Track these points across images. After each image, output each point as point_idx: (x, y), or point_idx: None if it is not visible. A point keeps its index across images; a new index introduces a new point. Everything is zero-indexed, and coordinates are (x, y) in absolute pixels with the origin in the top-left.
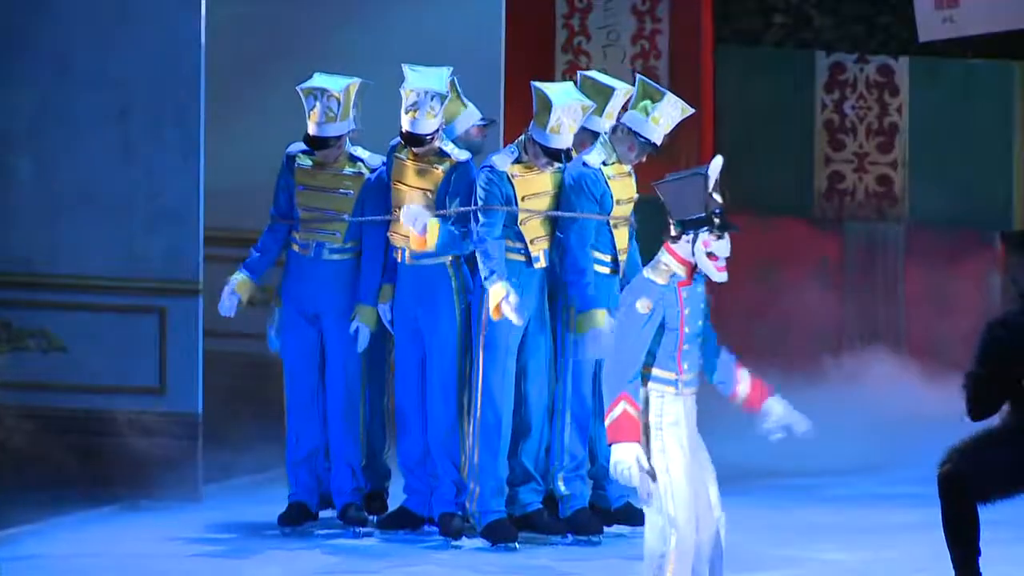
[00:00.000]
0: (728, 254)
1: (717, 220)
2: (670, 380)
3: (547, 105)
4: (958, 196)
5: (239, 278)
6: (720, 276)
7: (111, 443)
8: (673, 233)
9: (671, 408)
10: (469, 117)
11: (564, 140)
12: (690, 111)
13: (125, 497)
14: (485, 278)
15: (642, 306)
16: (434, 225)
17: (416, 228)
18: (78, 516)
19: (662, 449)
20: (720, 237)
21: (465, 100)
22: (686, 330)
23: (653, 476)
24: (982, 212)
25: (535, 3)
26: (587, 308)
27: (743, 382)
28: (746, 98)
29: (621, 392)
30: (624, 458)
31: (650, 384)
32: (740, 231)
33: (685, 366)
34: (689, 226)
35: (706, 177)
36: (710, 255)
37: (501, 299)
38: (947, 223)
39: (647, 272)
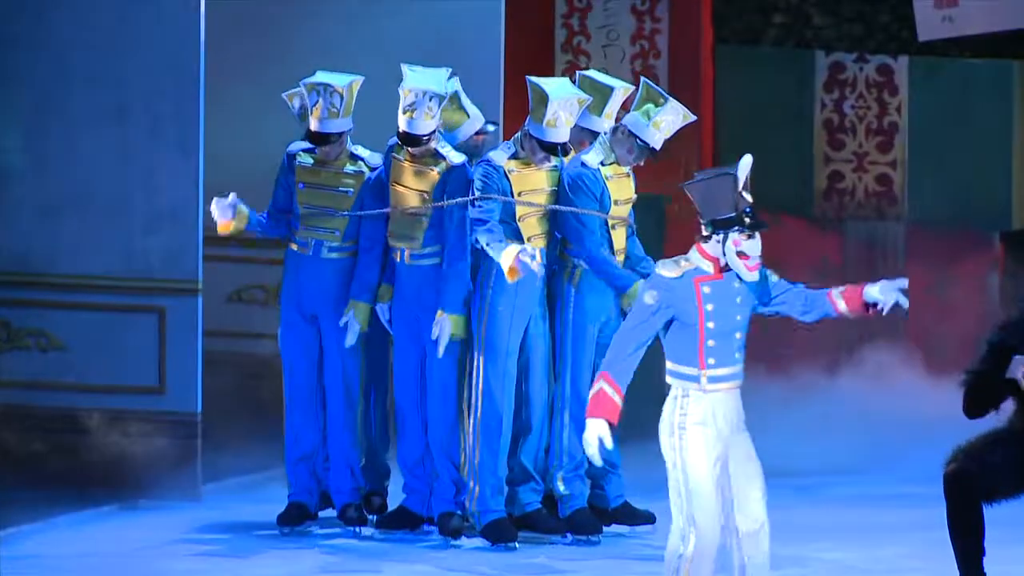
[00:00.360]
0: (759, 253)
1: (747, 219)
2: (692, 376)
3: (543, 99)
4: (958, 196)
5: (244, 208)
6: (752, 275)
7: (110, 443)
8: (704, 233)
9: (696, 407)
10: (473, 124)
11: (561, 134)
12: (692, 118)
13: (124, 497)
14: (492, 247)
15: (648, 297)
16: (451, 320)
17: (446, 337)
18: (77, 516)
19: (683, 448)
20: (751, 236)
21: (468, 109)
22: (709, 325)
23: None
24: (982, 212)
25: (535, 3)
26: (627, 288)
27: (838, 301)
28: (746, 98)
29: (603, 371)
30: (589, 436)
31: (672, 380)
32: (769, 229)
33: (711, 362)
34: (719, 226)
35: (735, 176)
36: (740, 254)
37: (518, 252)
38: (947, 223)
39: (659, 266)
